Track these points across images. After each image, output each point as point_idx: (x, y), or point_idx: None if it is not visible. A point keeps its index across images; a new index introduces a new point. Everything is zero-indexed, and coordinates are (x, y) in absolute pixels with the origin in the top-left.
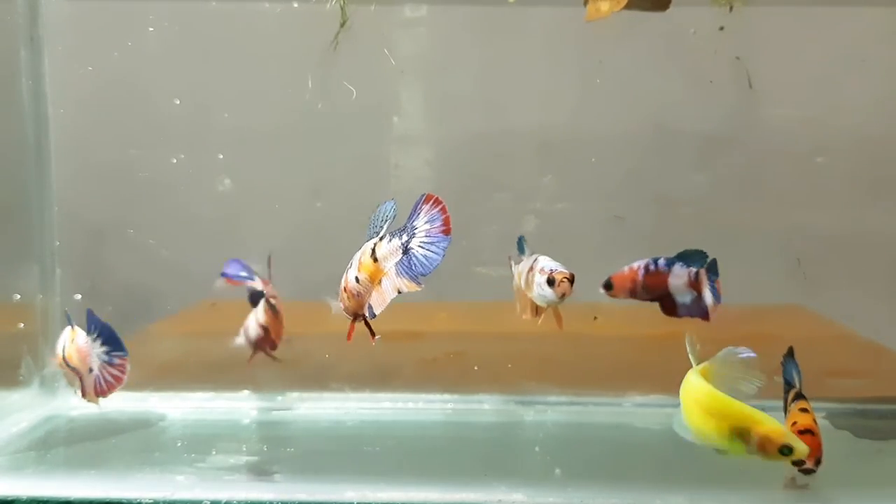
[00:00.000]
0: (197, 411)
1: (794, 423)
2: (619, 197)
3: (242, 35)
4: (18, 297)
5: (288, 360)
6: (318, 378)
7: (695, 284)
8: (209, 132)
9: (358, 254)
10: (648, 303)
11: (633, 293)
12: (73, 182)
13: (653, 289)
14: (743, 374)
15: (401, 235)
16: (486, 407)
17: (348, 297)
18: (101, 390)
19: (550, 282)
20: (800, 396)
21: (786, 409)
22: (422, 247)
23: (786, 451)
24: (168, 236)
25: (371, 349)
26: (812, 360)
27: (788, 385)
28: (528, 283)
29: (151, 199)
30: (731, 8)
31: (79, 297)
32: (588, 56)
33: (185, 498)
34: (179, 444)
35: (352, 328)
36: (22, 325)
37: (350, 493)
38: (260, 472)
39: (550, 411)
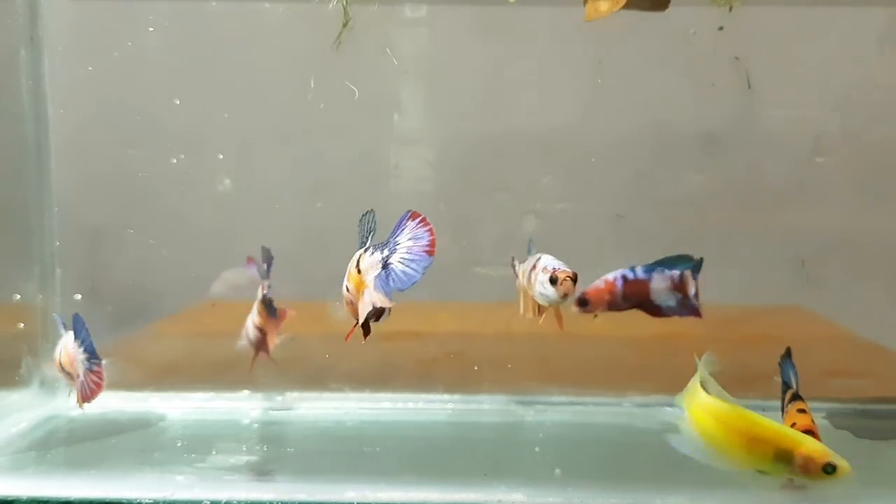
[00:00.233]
0: (197, 411)
1: (794, 424)
2: (619, 197)
3: (243, 35)
4: (18, 297)
5: (288, 360)
6: (318, 378)
7: (679, 287)
8: (209, 132)
9: (350, 263)
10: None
11: (613, 305)
12: (73, 182)
13: (633, 298)
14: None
15: (382, 249)
16: (486, 407)
17: (345, 304)
18: (85, 395)
19: (553, 280)
20: (797, 397)
21: (783, 410)
22: (402, 262)
23: (829, 469)
24: (168, 236)
25: (372, 349)
26: (812, 360)
27: (786, 386)
28: (531, 282)
29: (151, 199)
30: (730, 8)
31: (79, 297)
32: (588, 56)
33: (185, 498)
34: (179, 445)
35: (351, 331)
36: (22, 325)
37: (350, 493)
38: (260, 472)
39: (550, 411)
